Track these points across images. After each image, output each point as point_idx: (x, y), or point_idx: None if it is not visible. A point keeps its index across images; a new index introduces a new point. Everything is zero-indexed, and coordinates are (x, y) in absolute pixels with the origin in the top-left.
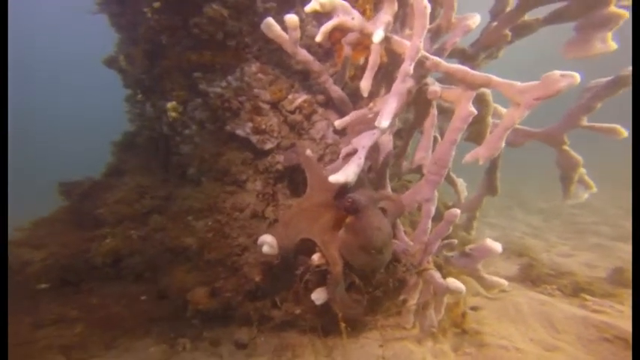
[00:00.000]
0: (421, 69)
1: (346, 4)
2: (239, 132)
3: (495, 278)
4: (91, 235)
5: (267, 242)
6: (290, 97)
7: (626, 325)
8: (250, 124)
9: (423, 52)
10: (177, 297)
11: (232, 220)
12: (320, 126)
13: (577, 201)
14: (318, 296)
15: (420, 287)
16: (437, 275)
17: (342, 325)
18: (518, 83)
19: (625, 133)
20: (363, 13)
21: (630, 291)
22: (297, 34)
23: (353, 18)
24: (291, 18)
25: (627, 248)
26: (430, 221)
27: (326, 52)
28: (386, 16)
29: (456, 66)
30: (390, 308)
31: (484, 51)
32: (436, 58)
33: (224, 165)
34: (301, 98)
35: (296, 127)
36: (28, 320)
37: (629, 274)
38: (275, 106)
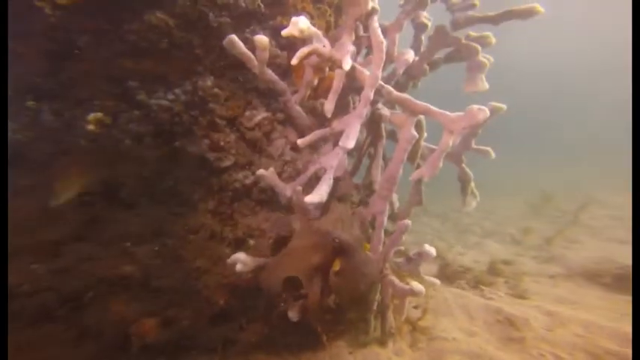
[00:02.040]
0: (377, 95)
1: (319, 32)
2: (192, 149)
3: (432, 278)
4: None
5: (241, 260)
6: (247, 113)
7: (508, 307)
8: (207, 141)
9: (379, 82)
10: (110, 333)
11: (187, 244)
12: (279, 143)
13: (470, 208)
14: (294, 314)
15: (378, 292)
16: (396, 280)
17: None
18: (450, 113)
19: (493, 154)
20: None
21: (501, 279)
22: (266, 54)
23: (324, 46)
24: (261, 39)
25: (493, 244)
26: (383, 231)
27: (284, 71)
28: (349, 45)
29: (403, 95)
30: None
31: (411, 80)
32: (389, 87)
33: (170, 184)
34: (261, 115)
35: (255, 145)
36: None
37: (499, 266)
38: (232, 122)
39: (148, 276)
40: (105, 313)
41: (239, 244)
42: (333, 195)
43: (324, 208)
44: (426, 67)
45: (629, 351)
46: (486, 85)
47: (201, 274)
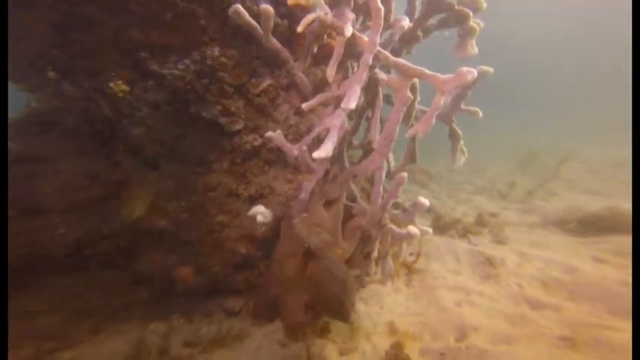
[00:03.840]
0: (375, 60)
1: (322, 0)
2: (205, 114)
3: (425, 228)
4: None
5: (261, 212)
6: (253, 81)
7: (489, 251)
8: (219, 107)
9: (377, 47)
10: (157, 279)
11: (208, 200)
12: (283, 108)
13: (459, 164)
14: None
15: (379, 240)
16: (394, 227)
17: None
18: (441, 75)
19: (480, 113)
20: None
21: (487, 229)
22: (271, 23)
23: (326, 14)
24: (267, 8)
25: (481, 199)
26: (382, 185)
27: (285, 40)
28: (349, 13)
29: (399, 60)
30: (358, 259)
31: (406, 46)
32: (386, 52)
33: (187, 147)
34: (266, 82)
35: (262, 110)
36: None
37: (485, 218)
38: (239, 89)
39: (178, 229)
40: (151, 262)
41: (253, 201)
42: (320, 196)
43: (308, 206)
44: (420, 33)
45: (567, 277)
46: (476, 50)
47: (224, 227)
